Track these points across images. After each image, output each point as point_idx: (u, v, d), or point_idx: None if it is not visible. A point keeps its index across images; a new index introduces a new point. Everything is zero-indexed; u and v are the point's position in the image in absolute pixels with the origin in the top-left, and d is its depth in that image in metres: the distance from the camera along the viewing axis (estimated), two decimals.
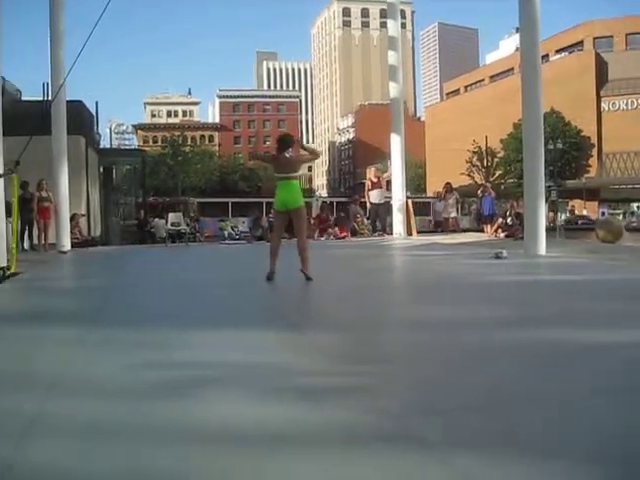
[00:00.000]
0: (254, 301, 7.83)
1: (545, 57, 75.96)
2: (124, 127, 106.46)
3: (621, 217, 54.28)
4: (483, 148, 78.52)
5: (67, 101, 19.40)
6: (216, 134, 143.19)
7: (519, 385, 3.78)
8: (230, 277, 10.95)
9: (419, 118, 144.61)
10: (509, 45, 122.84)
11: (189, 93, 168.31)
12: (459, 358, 4.52)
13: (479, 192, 25.28)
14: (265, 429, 3.00)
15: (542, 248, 13.40)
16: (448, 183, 25.33)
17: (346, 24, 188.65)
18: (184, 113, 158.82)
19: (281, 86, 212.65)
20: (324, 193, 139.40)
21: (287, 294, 8.66)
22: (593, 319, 5.99)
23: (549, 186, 51.17)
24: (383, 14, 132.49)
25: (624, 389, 3.64)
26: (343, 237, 22.99)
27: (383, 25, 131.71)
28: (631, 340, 4.90)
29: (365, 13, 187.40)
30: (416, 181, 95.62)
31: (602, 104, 75.33)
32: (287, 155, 9.31)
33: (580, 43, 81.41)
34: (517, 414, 3.22)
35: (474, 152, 79.61)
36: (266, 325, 5.98)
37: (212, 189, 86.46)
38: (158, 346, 5.00)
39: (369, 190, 22.68)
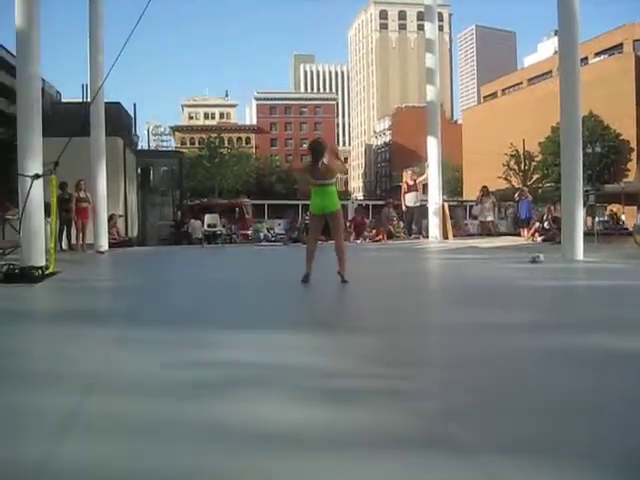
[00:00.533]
0: (288, 302, 7.86)
1: (584, 60, 75.16)
2: (162, 129, 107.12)
3: None
4: (520, 152, 77.93)
5: (105, 103, 19.64)
6: (253, 136, 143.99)
7: (560, 390, 3.75)
8: (265, 278, 11.00)
9: (456, 121, 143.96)
10: (547, 48, 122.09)
11: (226, 95, 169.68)
12: (496, 362, 4.50)
13: (516, 196, 25.14)
14: (295, 430, 3.01)
15: (580, 253, 13.28)
16: (485, 186, 25.20)
17: (383, 27, 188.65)
18: (221, 115, 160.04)
19: (318, 89, 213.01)
20: (360, 196, 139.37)
21: (322, 296, 8.68)
22: (631, 326, 5.92)
23: (587, 190, 50.66)
24: (420, 17, 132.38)
25: None
26: (379, 240, 22.97)
27: (420, 28, 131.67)
28: None
29: (402, 16, 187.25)
30: (453, 184, 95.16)
31: None
32: (323, 162, 9.29)
33: (620, 46, 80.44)
34: (558, 420, 3.20)
35: (511, 156, 79.03)
36: (300, 327, 5.98)
37: (249, 191, 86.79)
38: (194, 345, 5.03)
39: (405, 193, 22.60)
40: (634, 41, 78.63)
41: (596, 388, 3.79)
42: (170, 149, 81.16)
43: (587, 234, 26.25)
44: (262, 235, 32.85)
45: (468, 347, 4.98)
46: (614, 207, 67.61)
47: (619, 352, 4.72)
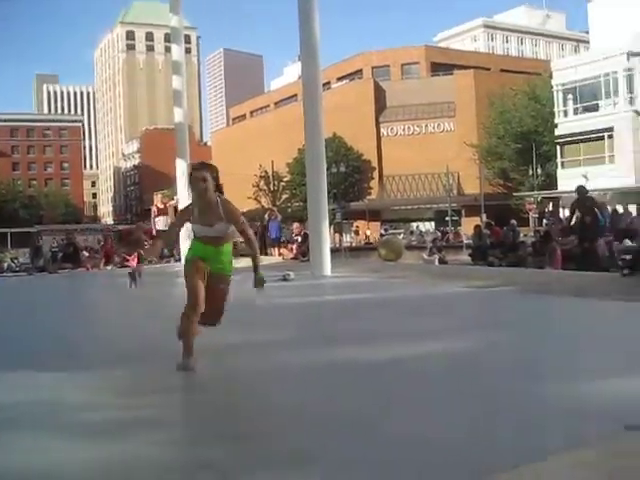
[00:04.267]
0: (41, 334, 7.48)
1: (327, 84, 78.56)
2: None
3: (401, 236, 56.86)
4: (270, 172, 79.63)
5: None
6: None
7: (318, 405, 3.82)
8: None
9: (205, 143, 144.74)
10: (293, 72, 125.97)
11: None
12: (253, 382, 4.53)
13: (266, 216, 25.60)
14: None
15: (328, 269, 13.74)
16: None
17: (130, 47, 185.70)
18: None
19: (62, 110, 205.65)
20: (110, 220, 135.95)
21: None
22: (372, 336, 6.21)
23: (333, 209, 52.75)
24: (167, 38, 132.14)
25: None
26: (130, 265, 22.42)
27: (168, 49, 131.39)
28: (405, 355, 5.14)
29: (150, 37, 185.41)
30: None
31: (381, 129, 78.83)
32: None
33: (360, 71, 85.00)
34: (314, 435, 3.25)
35: (261, 177, 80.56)
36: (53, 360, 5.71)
37: None
38: None
39: (155, 217, 22.28)
40: (372, 68, 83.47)
41: (326, 400, 3.91)
42: None
43: (336, 250, 27.26)
44: (6, 265, 30.90)
45: (223, 370, 4.98)
46: (360, 223, 71.04)
47: (359, 362, 4.92)
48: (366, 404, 3.88)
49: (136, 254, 23.11)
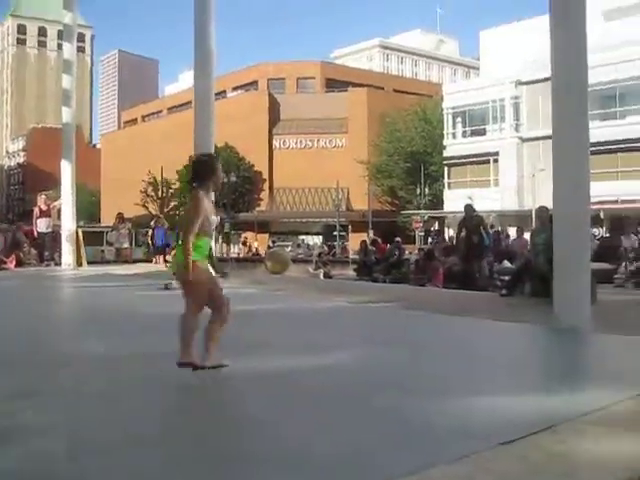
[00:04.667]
0: None
1: (222, 93, 78.30)
2: None
3: (289, 249, 57.05)
4: (159, 179, 78.52)
5: None
6: None
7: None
8: None
9: (95, 145, 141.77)
10: (188, 78, 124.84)
11: None
12: (129, 391, 4.42)
13: (152, 223, 25.22)
14: None
15: None
16: (120, 213, 24.92)
17: (21, 42, 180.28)
18: None
19: None
20: None
21: None
22: (253, 348, 6.17)
23: (223, 218, 52.46)
24: (61, 35, 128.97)
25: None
26: (7, 268, 21.62)
27: (61, 47, 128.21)
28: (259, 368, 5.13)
29: (43, 32, 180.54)
30: (90, 210, 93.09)
31: (274, 141, 79.02)
32: None
33: (255, 83, 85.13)
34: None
35: (149, 183, 79.35)
36: None
37: None
38: None
39: (37, 218, 21.62)
40: (268, 79, 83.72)
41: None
42: None
43: (223, 261, 27.04)
44: None
45: (88, 379, 4.84)
46: (248, 234, 70.87)
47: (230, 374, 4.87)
48: (245, 416, 3.84)
49: (14, 256, 22.38)
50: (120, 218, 24.25)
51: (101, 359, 5.70)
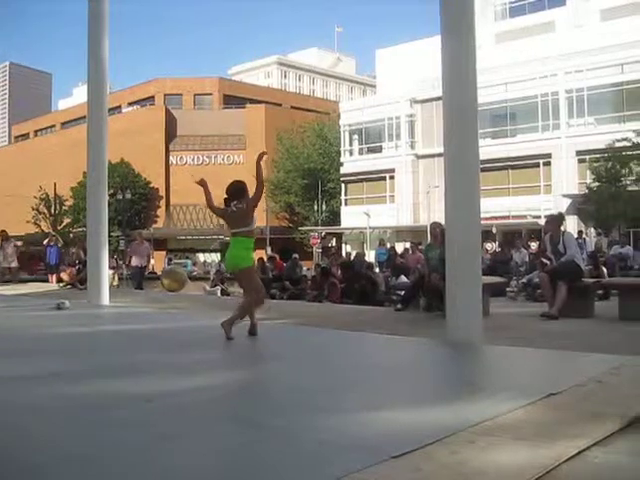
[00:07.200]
0: None
1: (117, 108, 77.21)
2: None
3: (188, 267, 56.51)
4: (51, 195, 76.52)
5: None
6: None
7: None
8: None
9: None
10: (83, 93, 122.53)
11: None
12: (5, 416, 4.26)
13: (45, 241, 24.53)
14: None
15: (106, 298, 13.33)
16: (4, 231, 23.60)
17: None
18: None
19: None
20: None
21: None
22: (144, 369, 6.06)
23: (118, 236, 51.54)
24: None
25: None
26: None
27: None
28: (170, 389, 5.07)
29: None
30: None
31: (171, 158, 78.33)
32: (234, 207, 8.20)
33: (152, 98, 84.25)
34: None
35: (41, 199, 77.13)
36: None
37: None
38: None
39: None
40: (165, 95, 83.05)
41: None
42: None
43: (118, 279, 26.51)
44: None
45: None
46: None
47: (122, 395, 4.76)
48: (128, 439, 3.75)
49: None
50: (4, 236, 23.00)
51: None
